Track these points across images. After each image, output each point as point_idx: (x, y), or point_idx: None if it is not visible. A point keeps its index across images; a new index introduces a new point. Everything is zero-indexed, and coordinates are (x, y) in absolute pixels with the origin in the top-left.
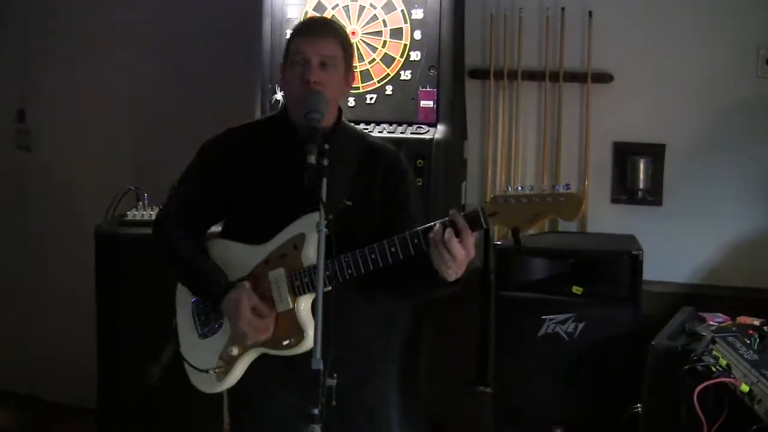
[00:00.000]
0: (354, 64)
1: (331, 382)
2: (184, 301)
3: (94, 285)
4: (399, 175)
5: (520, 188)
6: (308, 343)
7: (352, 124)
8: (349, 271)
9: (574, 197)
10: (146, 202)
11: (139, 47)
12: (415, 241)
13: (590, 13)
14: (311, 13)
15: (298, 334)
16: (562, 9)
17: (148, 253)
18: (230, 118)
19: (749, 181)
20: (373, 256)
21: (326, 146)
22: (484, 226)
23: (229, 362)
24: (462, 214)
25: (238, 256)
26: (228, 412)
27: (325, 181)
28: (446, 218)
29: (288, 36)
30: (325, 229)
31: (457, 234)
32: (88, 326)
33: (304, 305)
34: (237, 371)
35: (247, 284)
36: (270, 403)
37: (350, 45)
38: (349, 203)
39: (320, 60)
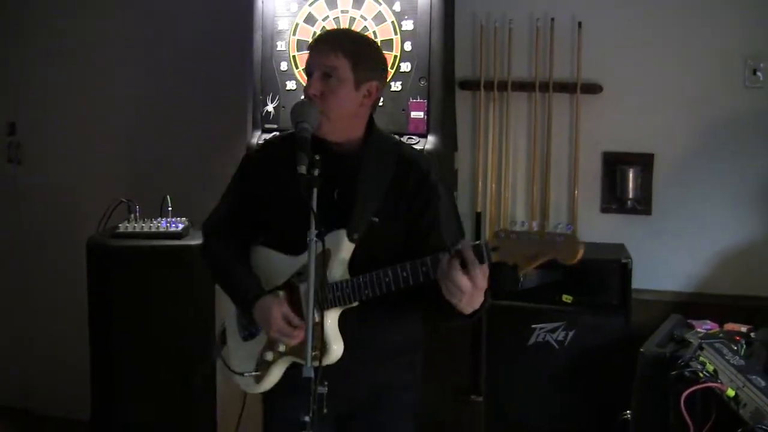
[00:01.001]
0: (377, 72)
1: (323, 389)
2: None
3: (87, 297)
4: (428, 192)
5: (523, 223)
6: (332, 356)
7: (390, 134)
8: (366, 292)
9: (571, 241)
10: (138, 214)
11: (130, 61)
12: (424, 269)
13: (580, 24)
14: (302, 25)
15: (323, 347)
16: (552, 20)
17: (139, 264)
18: (222, 131)
19: (737, 190)
20: (387, 279)
21: (317, 157)
22: (486, 260)
23: (264, 367)
24: (469, 247)
25: (275, 266)
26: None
27: (315, 191)
28: (453, 249)
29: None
30: (316, 239)
31: (464, 265)
32: (81, 338)
33: (330, 320)
34: (273, 376)
35: (281, 293)
36: (296, 408)
37: (365, 54)
38: (376, 219)
39: (323, 71)
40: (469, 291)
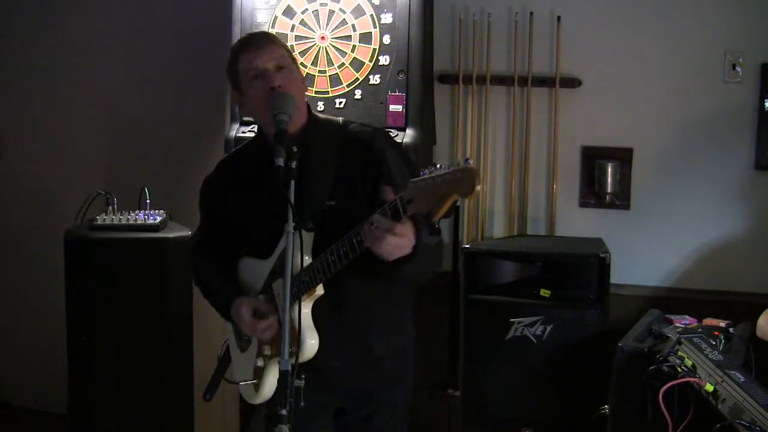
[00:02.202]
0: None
1: (300, 383)
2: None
3: (65, 289)
4: (378, 162)
5: (435, 168)
6: (308, 351)
7: (326, 116)
8: (320, 276)
9: (468, 171)
10: (115, 206)
11: (108, 54)
12: (357, 238)
13: (558, 18)
14: (280, 18)
15: (299, 341)
16: (531, 14)
17: (117, 256)
18: (201, 124)
19: (716, 185)
20: (332, 258)
21: (294, 149)
22: (402, 215)
23: (259, 373)
24: (386, 204)
25: (252, 273)
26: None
27: (293, 183)
28: (369, 219)
29: (231, 60)
30: (293, 231)
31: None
32: (58, 331)
33: (304, 312)
34: (268, 383)
35: (261, 297)
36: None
37: (288, 47)
38: (332, 203)
39: (275, 65)
40: (397, 245)
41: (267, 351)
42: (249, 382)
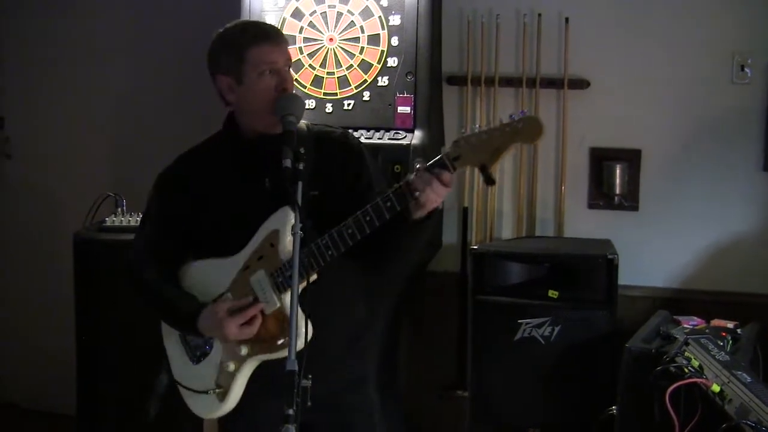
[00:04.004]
0: None
1: (306, 383)
2: (170, 331)
3: (73, 291)
4: (356, 157)
5: (477, 127)
6: (302, 338)
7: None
8: (330, 252)
9: (532, 119)
10: (124, 208)
11: (117, 54)
12: (388, 204)
13: (567, 19)
14: (289, 20)
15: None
16: (539, 15)
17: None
18: (208, 125)
19: (724, 187)
20: (350, 231)
21: (302, 150)
22: (451, 171)
23: (227, 379)
24: (429, 163)
25: (214, 273)
26: (218, 421)
27: (300, 184)
28: (416, 171)
29: (234, 44)
30: (300, 232)
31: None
32: (67, 333)
33: (290, 301)
34: (237, 388)
35: (228, 295)
36: (263, 412)
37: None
38: (316, 192)
39: (287, 63)
40: (443, 195)
41: (243, 351)
42: (217, 390)
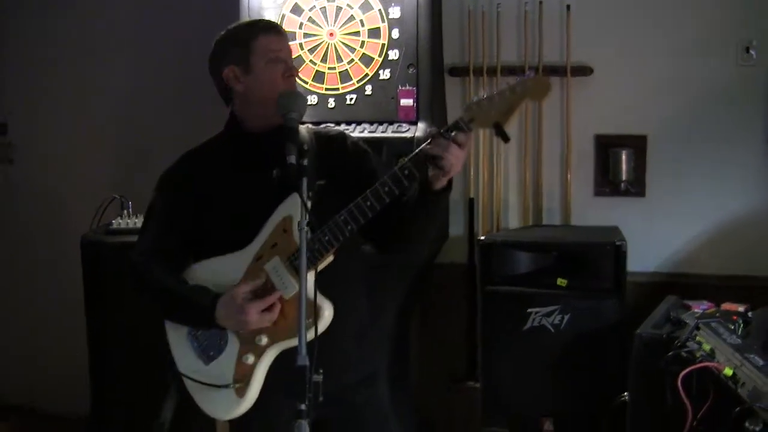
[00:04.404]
0: None
1: (318, 378)
2: (178, 337)
3: (83, 294)
4: (355, 149)
5: (486, 93)
6: (326, 320)
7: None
8: (349, 227)
9: (540, 79)
10: (131, 210)
11: (119, 54)
12: (406, 171)
13: (568, 6)
14: (288, 16)
15: (316, 310)
16: (540, 3)
17: None
18: (213, 126)
19: (730, 170)
20: (368, 203)
21: (305, 146)
22: (467, 130)
23: (247, 373)
24: (444, 128)
25: (225, 268)
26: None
27: (305, 180)
28: (430, 138)
29: (242, 35)
30: (306, 228)
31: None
32: (78, 335)
33: (310, 282)
34: (256, 382)
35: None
36: (276, 408)
37: None
38: (322, 182)
39: (292, 61)
40: (462, 159)
41: (263, 340)
42: (236, 385)
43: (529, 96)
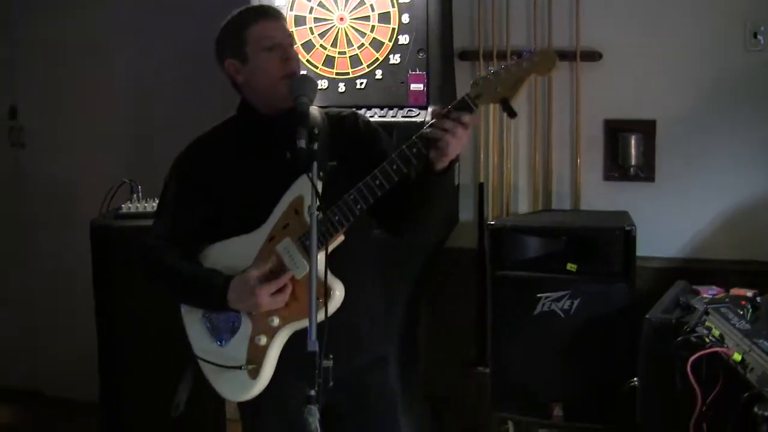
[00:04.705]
0: None
1: (327, 363)
2: (192, 319)
3: (92, 278)
4: (367, 129)
5: (491, 70)
6: (337, 300)
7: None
8: (359, 206)
9: (546, 52)
10: (140, 194)
11: (130, 42)
12: (414, 150)
13: None
14: (299, 1)
15: (326, 291)
16: None
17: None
18: (223, 110)
19: (740, 155)
20: (377, 182)
21: (316, 130)
22: (473, 108)
23: (259, 354)
24: (450, 106)
25: (237, 250)
26: (239, 405)
27: (315, 164)
28: (434, 117)
29: (235, 27)
30: (318, 212)
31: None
32: (87, 320)
33: (321, 264)
34: (269, 363)
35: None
36: (289, 395)
37: None
38: (334, 163)
39: (289, 41)
40: (465, 139)
41: (275, 321)
42: (248, 367)
43: (536, 70)
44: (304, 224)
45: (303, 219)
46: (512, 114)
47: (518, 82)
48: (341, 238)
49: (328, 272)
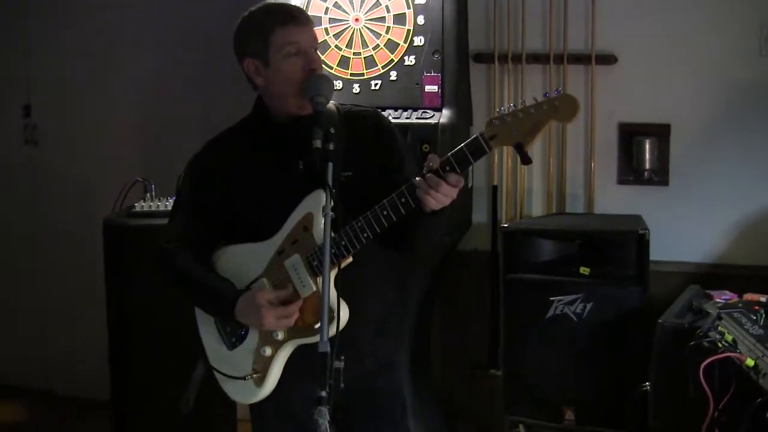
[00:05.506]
0: None
1: (339, 364)
2: (205, 318)
3: (104, 277)
4: (387, 135)
5: (512, 106)
6: (342, 318)
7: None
8: (365, 235)
9: (568, 98)
10: (154, 193)
11: (144, 37)
12: (402, 200)
13: None
14: (314, 1)
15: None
16: None
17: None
18: (236, 108)
19: (754, 160)
20: (385, 213)
21: (332, 130)
22: (488, 151)
23: (264, 364)
24: (463, 144)
25: (248, 258)
26: (250, 407)
27: (331, 165)
28: (445, 158)
29: (259, 27)
30: (331, 213)
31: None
32: (99, 318)
33: (330, 284)
34: (274, 373)
35: (264, 280)
36: (294, 397)
37: None
38: (349, 173)
39: (314, 45)
40: (452, 196)
41: (280, 336)
42: (254, 375)
43: (557, 115)
44: (313, 243)
45: (312, 237)
46: (526, 161)
47: (536, 127)
48: (349, 259)
49: (333, 293)
